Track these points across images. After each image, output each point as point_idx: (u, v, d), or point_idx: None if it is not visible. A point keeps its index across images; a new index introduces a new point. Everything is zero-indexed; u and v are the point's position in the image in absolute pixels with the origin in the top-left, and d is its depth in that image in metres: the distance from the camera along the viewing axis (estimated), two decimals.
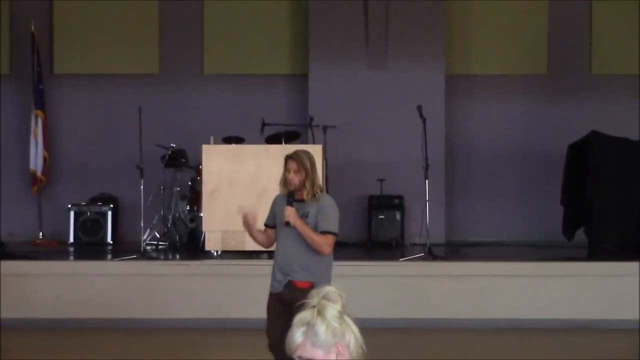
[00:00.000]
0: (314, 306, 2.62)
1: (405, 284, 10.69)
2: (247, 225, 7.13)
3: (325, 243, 6.89)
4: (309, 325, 2.56)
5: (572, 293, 10.63)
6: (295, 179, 6.94)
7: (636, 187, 11.51)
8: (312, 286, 6.87)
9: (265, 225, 7.25)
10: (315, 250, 6.92)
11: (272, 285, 7.03)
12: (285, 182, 7.04)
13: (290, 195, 6.94)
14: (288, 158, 7.04)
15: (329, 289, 2.68)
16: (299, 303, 2.82)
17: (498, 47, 14.41)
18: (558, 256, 11.57)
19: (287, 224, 6.85)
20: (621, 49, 14.28)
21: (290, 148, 11.60)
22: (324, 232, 6.90)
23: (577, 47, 14.42)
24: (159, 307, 10.64)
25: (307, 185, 6.94)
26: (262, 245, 7.37)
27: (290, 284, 6.91)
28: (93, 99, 14.50)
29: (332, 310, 2.59)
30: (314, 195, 6.95)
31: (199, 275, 10.87)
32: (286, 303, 6.69)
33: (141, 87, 14.31)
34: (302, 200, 6.97)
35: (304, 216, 6.91)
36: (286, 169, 7.01)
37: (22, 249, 12.28)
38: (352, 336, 2.54)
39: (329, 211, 6.97)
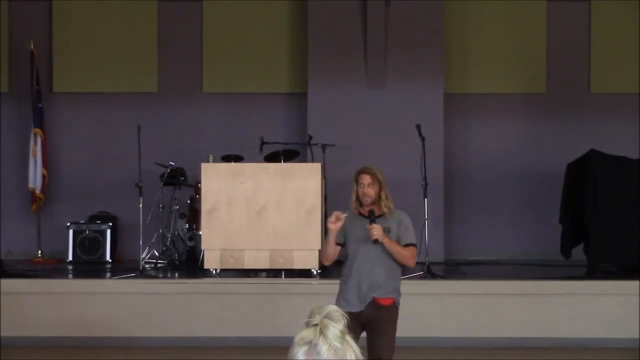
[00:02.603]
0: (315, 325, 2.61)
1: (404, 302, 10.65)
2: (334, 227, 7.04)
3: (412, 256, 7.11)
4: (311, 344, 2.55)
5: (571, 312, 10.62)
6: (370, 191, 7.09)
7: (635, 205, 11.51)
8: (393, 303, 7.07)
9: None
10: (399, 265, 7.10)
11: (350, 304, 6.96)
12: (357, 198, 7.14)
13: (372, 213, 7.03)
14: (360, 172, 7.20)
15: (331, 307, 2.67)
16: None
17: (497, 66, 14.44)
18: (557, 275, 11.56)
19: (376, 241, 6.93)
20: (620, 67, 14.31)
21: (289, 166, 11.69)
22: (407, 245, 7.05)
23: (576, 66, 14.45)
24: (157, 326, 10.62)
25: (383, 196, 7.12)
26: (326, 256, 7.28)
27: (373, 302, 6.99)
28: (92, 118, 14.51)
29: (334, 329, 2.58)
30: (389, 208, 7.09)
31: (198, 293, 10.87)
32: (364, 322, 6.92)
33: (140, 106, 14.33)
34: (380, 216, 7.09)
35: (385, 231, 7.01)
36: (359, 183, 7.14)
37: (20, 267, 12.25)
38: (354, 356, 2.54)
39: (409, 224, 7.18)
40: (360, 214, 7.18)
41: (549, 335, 10.52)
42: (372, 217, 7.02)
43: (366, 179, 7.12)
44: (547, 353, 10.29)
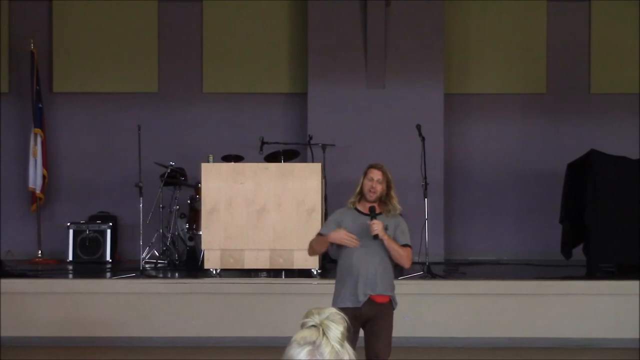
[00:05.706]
0: (313, 325, 2.60)
1: (404, 303, 10.65)
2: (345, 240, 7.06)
3: (408, 256, 7.10)
4: (314, 344, 2.54)
5: (571, 312, 10.62)
6: (379, 187, 7.10)
7: (635, 205, 11.51)
8: (390, 301, 7.13)
9: (323, 234, 7.21)
10: (394, 264, 7.12)
11: (349, 300, 7.01)
12: (361, 192, 7.15)
13: (373, 209, 7.05)
14: (372, 167, 7.23)
15: (331, 310, 2.67)
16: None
17: (497, 66, 14.45)
18: (557, 275, 11.56)
19: (376, 237, 6.93)
20: (620, 68, 14.31)
21: (289, 166, 11.69)
22: (404, 246, 7.07)
23: (576, 67, 14.45)
24: (157, 326, 10.62)
25: (392, 194, 7.17)
26: (314, 252, 7.51)
27: (371, 300, 7.02)
28: (92, 118, 14.51)
29: (336, 331, 2.58)
30: (394, 208, 7.13)
31: (198, 293, 10.86)
32: (362, 319, 6.96)
33: (140, 106, 14.33)
34: (380, 214, 7.10)
35: (384, 229, 7.00)
36: (368, 177, 7.16)
37: (21, 267, 12.23)
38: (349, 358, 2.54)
39: (406, 228, 7.20)
40: (357, 210, 7.18)
41: (549, 335, 10.52)
42: (372, 214, 7.02)
43: (377, 174, 7.14)
44: (547, 353, 10.29)
